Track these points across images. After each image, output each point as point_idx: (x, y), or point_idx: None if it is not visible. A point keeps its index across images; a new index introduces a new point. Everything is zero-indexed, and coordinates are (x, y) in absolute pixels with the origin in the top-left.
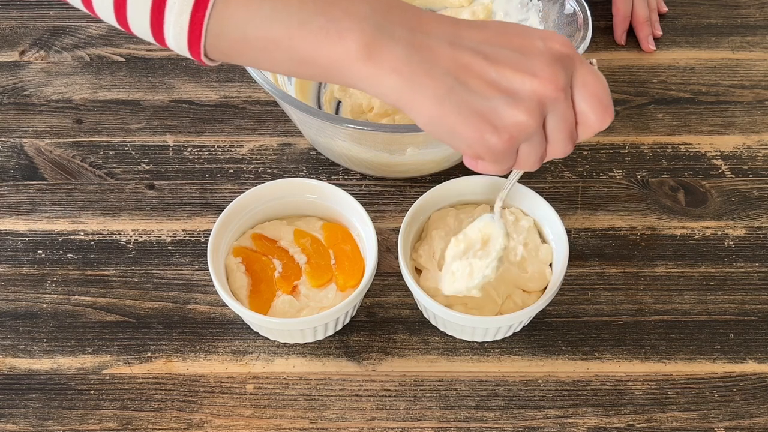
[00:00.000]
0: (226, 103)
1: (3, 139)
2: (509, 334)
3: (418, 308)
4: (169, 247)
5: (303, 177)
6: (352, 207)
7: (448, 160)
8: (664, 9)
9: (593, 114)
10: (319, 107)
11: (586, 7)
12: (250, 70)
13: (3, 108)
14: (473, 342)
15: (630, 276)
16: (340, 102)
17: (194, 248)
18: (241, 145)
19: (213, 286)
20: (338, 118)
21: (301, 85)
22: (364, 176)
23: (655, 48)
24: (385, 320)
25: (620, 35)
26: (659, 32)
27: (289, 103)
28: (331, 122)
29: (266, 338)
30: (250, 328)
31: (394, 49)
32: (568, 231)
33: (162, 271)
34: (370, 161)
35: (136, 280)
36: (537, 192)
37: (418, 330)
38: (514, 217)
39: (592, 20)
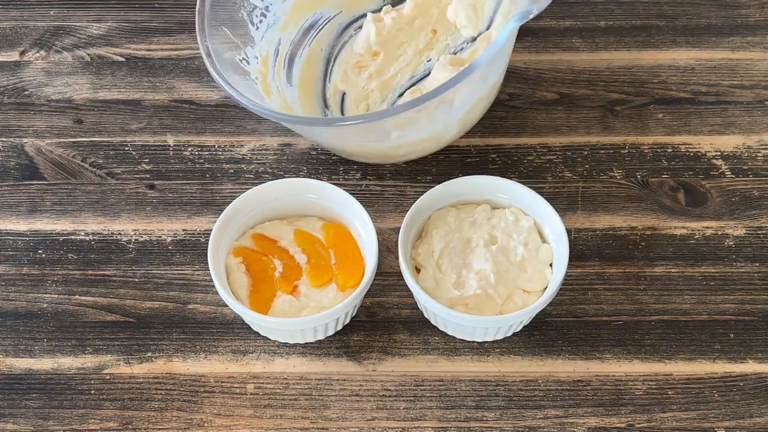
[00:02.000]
0: (227, 103)
1: (3, 139)
2: (509, 334)
3: (418, 308)
4: (170, 247)
5: (303, 177)
6: (352, 207)
7: (445, 135)
8: None
9: None
10: (325, 102)
11: None
12: (231, 93)
13: (3, 108)
14: (473, 342)
15: (630, 276)
16: (345, 94)
17: (194, 248)
18: (242, 145)
19: (213, 286)
20: (311, 119)
21: (304, 85)
22: (364, 176)
23: None
24: (386, 320)
25: None
26: None
27: (262, 113)
28: (304, 125)
29: (266, 338)
30: (250, 328)
31: None
32: (568, 231)
33: (162, 271)
34: (366, 153)
35: (136, 280)
36: (537, 192)
37: (419, 330)
38: (514, 217)
39: (592, 21)
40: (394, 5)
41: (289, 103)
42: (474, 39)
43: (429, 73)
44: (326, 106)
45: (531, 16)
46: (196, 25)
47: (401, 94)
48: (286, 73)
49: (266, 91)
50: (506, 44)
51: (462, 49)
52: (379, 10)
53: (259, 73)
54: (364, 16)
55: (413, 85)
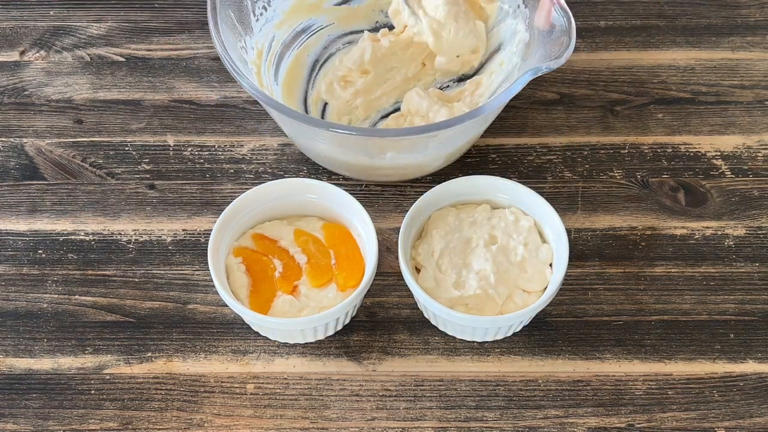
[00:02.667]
0: (227, 103)
1: (3, 139)
2: (509, 334)
3: (418, 308)
4: (170, 247)
5: (303, 177)
6: (353, 207)
7: (429, 165)
8: None
9: None
10: (306, 109)
11: (570, 15)
12: (235, 75)
13: (3, 108)
14: (473, 342)
15: (630, 276)
16: (326, 104)
17: (194, 248)
18: (242, 145)
19: (213, 286)
20: (317, 121)
21: (288, 87)
22: None
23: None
24: (385, 320)
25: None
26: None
27: (267, 104)
28: (309, 124)
29: (266, 338)
30: (250, 328)
31: None
32: (568, 231)
33: (162, 271)
34: (350, 164)
35: (136, 280)
36: (537, 192)
37: (419, 330)
38: (514, 217)
39: (592, 21)
40: (390, 29)
41: (275, 99)
42: (461, 80)
43: None
44: (306, 111)
45: (540, 73)
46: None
47: (384, 117)
48: (275, 70)
49: (260, 83)
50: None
51: (448, 86)
52: (373, 30)
53: (254, 64)
54: (353, 32)
55: (397, 110)
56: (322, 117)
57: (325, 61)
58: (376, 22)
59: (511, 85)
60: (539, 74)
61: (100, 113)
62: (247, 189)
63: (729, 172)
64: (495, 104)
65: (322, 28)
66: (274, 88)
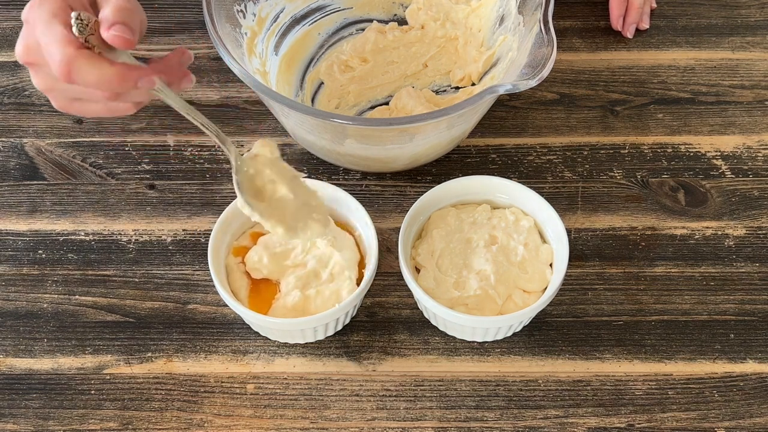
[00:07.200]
0: (227, 103)
1: (3, 139)
2: (509, 334)
3: (418, 308)
4: (170, 247)
5: (303, 177)
6: (353, 207)
7: (393, 163)
8: (654, 5)
9: None
10: (302, 84)
11: (552, 33)
12: (207, 21)
13: (3, 108)
14: (473, 342)
15: (630, 276)
16: (322, 84)
17: (195, 248)
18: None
19: (213, 286)
20: (268, 90)
21: (288, 60)
22: (364, 176)
23: (632, 36)
24: (386, 320)
25: (616, 19)
26: (646, 25)
27: (229, 63)
28: (263, 93)
29: (266, 338)
30: (250, 328)
31: None
32: (568, 231)
33: (162, 271)
34: (314, 144)
35: (136, 280)
36: (537, 192)
37: (419, 330)
38: (514, 217)
39: (592, 21)
40: (399, 24)
41: (267, 69)
42: (458, 88)
43: None
44: (301, 87)
45: (514, 91)
46: None
47: (373, 107)
48: (276, 41)
49: (249, 50)
50: (482, 105)
51: (445, 91)
52: (385, 22)
53: (250, 30)
54: (370, 20)
55: (386, 104)
56: (314, 95)
57: (335, 43)
58: (395, 14)
59: (463, 101)
60: (511, 92)
61: None
62: None
63: (729, 172)
64: (455, 110)
65: (339, 10)
66: (271, 57)
